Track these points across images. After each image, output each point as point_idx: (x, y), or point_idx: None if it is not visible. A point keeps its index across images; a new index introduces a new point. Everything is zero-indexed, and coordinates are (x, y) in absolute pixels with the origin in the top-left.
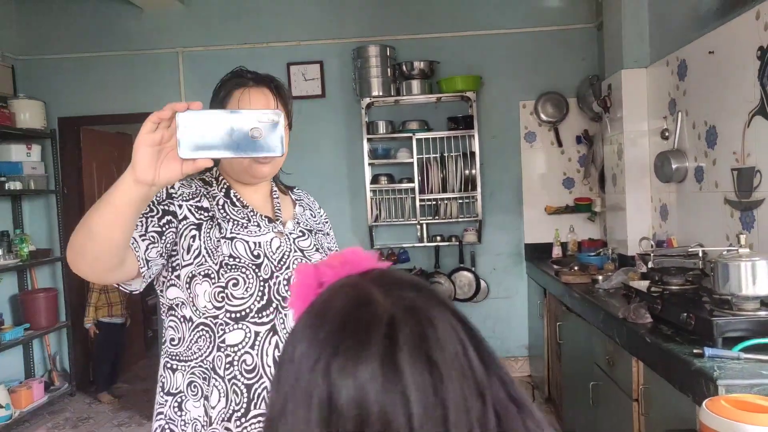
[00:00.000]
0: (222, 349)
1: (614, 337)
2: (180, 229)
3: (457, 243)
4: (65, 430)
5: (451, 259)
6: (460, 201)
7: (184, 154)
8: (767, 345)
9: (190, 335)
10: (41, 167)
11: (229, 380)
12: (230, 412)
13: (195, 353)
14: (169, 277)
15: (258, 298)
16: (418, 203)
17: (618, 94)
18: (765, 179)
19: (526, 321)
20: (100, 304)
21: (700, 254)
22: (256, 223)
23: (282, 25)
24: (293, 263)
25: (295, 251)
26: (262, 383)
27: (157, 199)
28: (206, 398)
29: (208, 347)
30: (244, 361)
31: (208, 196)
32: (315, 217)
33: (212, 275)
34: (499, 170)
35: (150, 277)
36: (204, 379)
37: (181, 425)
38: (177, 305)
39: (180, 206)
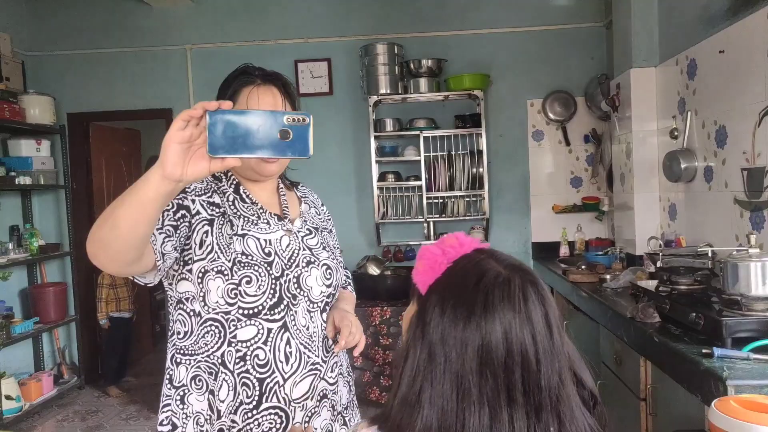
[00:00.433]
0: (233, 344)
1: (622, 336)
2: (193, 223)
3: None
4: (74, 423)
5: None
6: (467, 199)
7: (213, 153)
8: None
9: (198, 329)
10: (50, 162)
11: (239, 374)
12: (237, 404)
13: (202, 347)
14: (180, 271)
15: (270, 296)
16: (425, 201)
17: (627, 93)
18: None
19: None
20: (110, 300)
21: (710, 254)
22: (265, 221)
23: (290, 22)
24: (302, 261)
25: (304, 249)
26: (275, 378)
27: None
28: (212, 393)
29: (217, 342)
30: (257, 356)
31: (218, 191)
32: (320, 214)
33: (225, 272)
34: (507, 169)
35: (165, 270)
36: (210, 373)
37: (182, 418)
38: (187, 299)
39: (193, 201)
